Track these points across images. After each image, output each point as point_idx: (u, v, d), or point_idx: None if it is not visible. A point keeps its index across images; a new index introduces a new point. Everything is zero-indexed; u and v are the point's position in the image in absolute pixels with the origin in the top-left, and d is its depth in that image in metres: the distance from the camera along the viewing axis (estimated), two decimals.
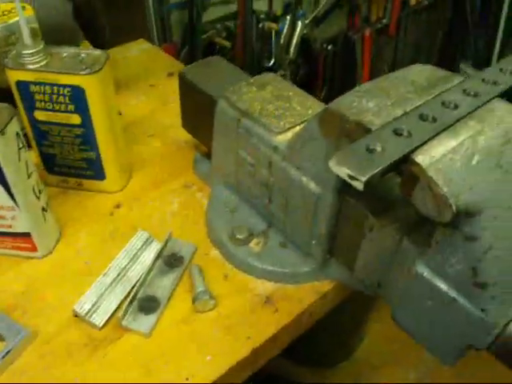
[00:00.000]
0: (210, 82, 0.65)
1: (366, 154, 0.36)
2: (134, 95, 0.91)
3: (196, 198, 0.71)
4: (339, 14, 1.91)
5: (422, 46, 2.34)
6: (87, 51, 0.62)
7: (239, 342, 0.55)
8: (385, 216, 0.49)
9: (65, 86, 0.60)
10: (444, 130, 0.40)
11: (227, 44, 1.43)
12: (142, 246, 0.63)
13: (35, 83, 0.61)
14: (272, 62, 1.57)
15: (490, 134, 0.41)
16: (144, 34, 0.82)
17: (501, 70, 0.49)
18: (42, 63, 0.60)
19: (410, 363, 1.13)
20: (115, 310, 0.58)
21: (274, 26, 1.47)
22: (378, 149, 0.37)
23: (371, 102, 0.42)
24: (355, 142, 0.37)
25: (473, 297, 0.42)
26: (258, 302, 0.59)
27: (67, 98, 0.61)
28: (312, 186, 0.52)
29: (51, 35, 0.71)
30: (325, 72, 1.93)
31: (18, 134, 0.54)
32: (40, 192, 0.60)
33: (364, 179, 0.34)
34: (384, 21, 2.04)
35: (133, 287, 0.59)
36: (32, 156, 0.70)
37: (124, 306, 0.56)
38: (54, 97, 0.61)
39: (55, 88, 0.60)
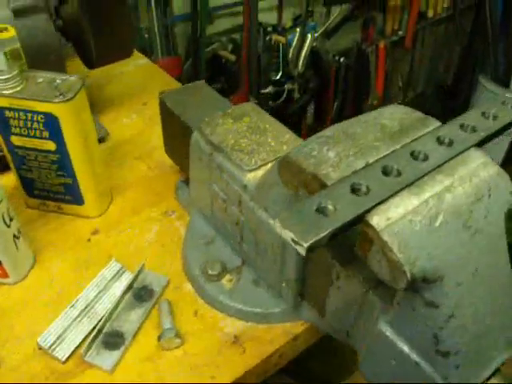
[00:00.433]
0: (189, 110, 0.63)
1: (314, 214, 0.34)
2: (125, 113, 0.90)
3: (175, 226, 0.69)
4: (353, 26, 1.87)
5: (440, 59, 2.28)
6: (63, 77, 0.61)
7: (203, 382, 0.53)
8: (352, 265, 0.46)
9: (38, 112, 0.59)
10: (408, 185, 0.37)
11: (232, 57, 1.42)
12: (113, 277, 0.62)
13: (10, 109, 0.60)
14: (279, 74, 1.55)
15: (459, 190, 0.38)
16: (131, 52, 0.80)
17: (483, 113, 0.46)
18: (16, 88, 0.59)
19: None
20: (80, 344, 0.56)
21: (281, 38, 1.44)
22: (330, 208, 0.34)
23: (332, 151, 0.39)
24: (306, 199, 0.35)
25: (436, 364, 0.39)
26: (226, 342, 0.57)
27: (41, 125, 0.60)
28: None
29: (36, 56, 0.70)
30: (337, 85, 1.89)
31: None
32: (11, 219, 0.59)
33: (306, 245, 0.32)
34: (400, 33, 1.99)
35: (99, 321, 0.57)
36: (11, 179, 0.70)
37: (88, 341, 0.55)
38: (29, 123, 0.60)
39: (29, 114, 0.59)
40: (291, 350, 0.59)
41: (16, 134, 0.62)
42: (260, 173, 0.52)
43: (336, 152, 0.39)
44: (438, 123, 0.44)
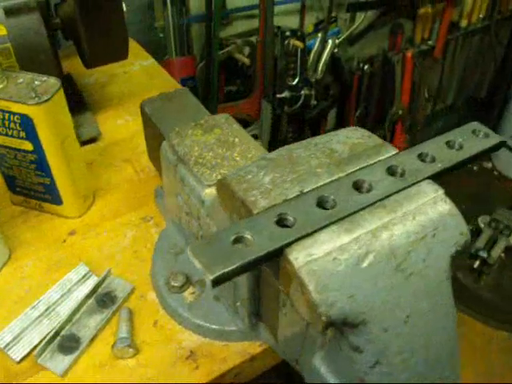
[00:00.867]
0: (166, 118, 0.62)
1: (228, 246, 0.32)
2: (121, 114, 0.90)
3: (150, 233, 0.69)
4: (379, 33, 1.82)
5: (473, 70, 2.20)
6: (43, 78, 0.61)
7: None
8: None
9: (14, 113, 0.59)
10: (341, 219, 0.35)
11: (246, 61, 1.40)
12: (78, 281, 0.62)
13: None
14: (297, 80, 1.52)
15: (399, 228, 0.36)
16: (125, 55, 0.80)
17: (448, 142, 0.43)
18: None
19: None
20: (37, 345, 0.56)
21: (299, 43, 1.42)
22: (249, 238, 0.33)
23: (268, 176, 0.38)
24: (225, 228, 0.33)
25: None
26: (181, 356, 0.56)
27: (18, 125, 0.60)
28: None
29: (26, 55, 0.71)
30: (359, 93, 1.85)
31: None
32: None
33: (212, 277, 0.31)
34: (430, 42, 1.93)
35: (59, 323, 0.57)
36: None
37: (43, 343, 0.55)
38: (6, 122, 0.61)
39: (6, 115, 0.60)
40: (248, 371, 0.57)
41: None
42: None
43: (272, 177, 0.38)
44: (394, 151, 0.41)
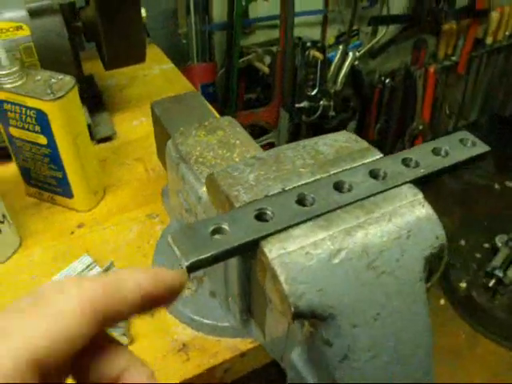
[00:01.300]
0: (174, 119, 0.65)
1: (206, 235, 0.34)
2: (137, 116, 0.93)
3: (155, 230, 0.71)
4: (402, 47, 1.83)
5: (496, 89, 2.18)
6: (60, 76, 0.64)
7: None
8: None
9: (31, 108, 0.63)
10: (317, 216, 0.37)
11: (265, 69, 1.43)
12: (82, 271, 0.64)
13: (7, 102, 0.64)
14: (316, 90, 1.54)
15: (374, 228, 0.37)
16: (143, 58, 0.83)
17: (434, 149, 0.44)
18: (15, 84, 0.63)
19: None
20: None
21: (318, 55, 1.44)
22: (226, 229, 0.35)
23: (253, 174, 0.39)
24: (205, 219, 0.35)
25: None
26: (173, 348, 0.58)
27: (34, 120, 0.64)
28: None
29: (47, 55, 0.75)
30: (380, 106, 1.86)
31: None
32: None
33: (186, 264, 0.32)
34: (453, 58, 1.92)
35: None
36: (15, 167, 0.74)
37: None
38: (23, 117, 0.64)
39: (23, 109, 0.63)
40: (239, 366, 0.59)
41: (13, 126, 0.66)
42: None
43: (257, 175, 0.39)
44: (379, 155, 0.43)
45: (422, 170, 0.41)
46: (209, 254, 0.33)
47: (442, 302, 1.90)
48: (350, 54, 1.56)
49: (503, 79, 2.17)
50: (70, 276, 0.64)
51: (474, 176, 2.34)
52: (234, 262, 0.49)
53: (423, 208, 0.39)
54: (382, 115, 1.89)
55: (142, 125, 0.91)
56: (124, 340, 0.57)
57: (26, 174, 0.73)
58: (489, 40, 1.95)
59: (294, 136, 1.63)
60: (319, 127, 1.65)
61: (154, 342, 0.58)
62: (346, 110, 1.71)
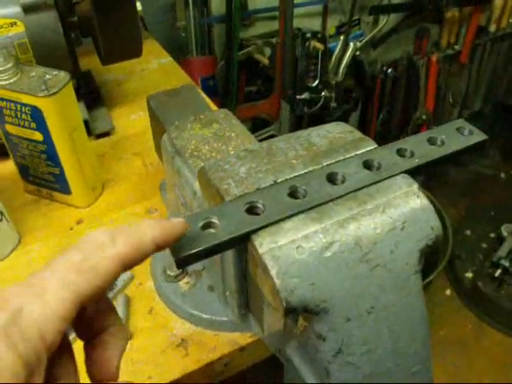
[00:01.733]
0: (170, 112, 0.64)
1: (197, 230, 0.34)
2: (135, 110, 0.93)
3: None
4: (404, 36, 1.81)
5: (501, 77, 2.15)
6: (54, 72, 0.64)
7: (139, 380, 0.54)
8: None
9: (25, 104, 0.62)
10: (310, 209, 0.36)
11: (265, 61, 1.42)
12: None
13: (2, 99, 0.64)
14: (317, 82, 1.53)
15: (367, 219, 0.36)
16: (139, 53, 0.83)
17: (430, 139, 0.43)
18: (10, 80, 0.63)
19: None
20: None
21: (319, 45, 1.42)
22: (217, 223, 0.34)
23: (244, 166, 0.39)
24: (195, 213, 0.35)
25: None
26: (172, 343, 0.57)
27: (29, 116, 0.64)
28: None
29: (42, 51, 0.74)
30: (383, 97, 1.84)
31: None
32: None
33: (175, 258, 0.32)
34: (456, 47, 1.90)
35: None
36: (10, 164, 0.74)
37: None
38: (18, 114, 0.64)
39: (18, 106, 0.63)
40: (238, 361, 0.59)
41: (9, 123, 0.66)
42: None
43: (248, 167, 0.39)
44: (373, 146, 0.42)
45: (416, 160, 0.41)
46: (199, 249, 0.32)
47: (448, 292, 1.89)
48: (351, 44, 1.54)
49: (507, 67, 2.14)
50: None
51: (479, 166, 2.32)
52: (230, 256, 0.49)
53: (418, 199, 0.38)
54: (385, 106, 1.87)
55: (141, 119, 0.91)
56: None
57: (24, 171, 0.73)
58: (492, 27, 1.92)
59: (296, 128, 1.62)
60: (321, 119, 1.64)
61: (152, 337, 0.58)
62: (347, 101, 1.70)
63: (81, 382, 0.30)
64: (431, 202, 0.39)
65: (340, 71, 1.55)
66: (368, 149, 0.42)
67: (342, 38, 1.55)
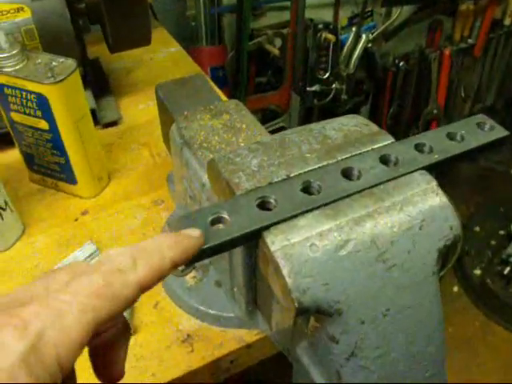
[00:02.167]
0: (179, 102, 0.63)
1: (206, 225, 0.32)
2: (143, 99, 0.91)
3: (160, 216, 0.70)
4: (417, 29, 1.78)
5: None
6: (61, 59, 0.63)
7: (143, 376, 0.53)
8: None
9: (31, 92, 0.61)
10: (324, 205, 0.34)
11: (275, 51, 1.39)
12: (85, 259, 0.63)
13: (8, 86, 0.62)
14: (328, 74, 1.50)
15: (384, 217, 0.35)
16: (148, 41, 0.81)
17: (449, 134, 0.42)
18: (16, 67, 0.62)
19: None
20: None
21: (331, 37, 1.40)
22: (227, 219, 0.33)
23: (256, 159, 0.37)
24: (204, 207, 0.33)
25: None
26: (177, 339, 0.56)
27: (34, 104, 0.62)
28: None
29: (49, 37, 0.73)
30: (394, 89, 1.81)
31: None
32: None
33: None
34: (470, 40, 1.87)
35: None
36: (16, 153, 0.73)
37: None
38: (24, 101, 0.63)
39: (24, 93, 0.62)
40: (245, 358, 0.57)
41: (14, 111, 0.65)
42: None
43: (259, 160, 0.37)
44: (390, 140, 0.40)
45: (436, 156, 0.39)
46: (207, 246, 0.31)
47: (456, 289, 1.87)
48: (363, 36, 1.51)
49: None
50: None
51: (490, 162, 2.29)
52: (238, 251, 0.48)
53: (437, 196, 0.36)
54: (396, 99, 1.84)
55: (149, 109, 0.89)
56: None
57: (29, 160, 0.72)
58: (507, 21, 1.88)
59: (306, 120, 1.60)
60: (331, 111, 1.62)
61: (157, 332, 0.57)
62: (358, 93, 1.67)
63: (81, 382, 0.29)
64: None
65: (351, 63, 1.52)
66: (385, 143, 0.40)
67: (354, 29, 1.53)
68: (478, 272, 1.83)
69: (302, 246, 0.32)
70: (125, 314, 0.57)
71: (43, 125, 0.64)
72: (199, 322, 0.58)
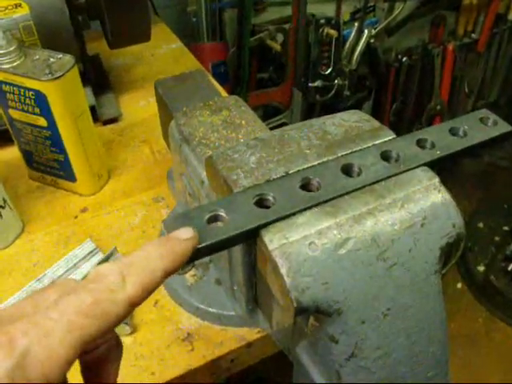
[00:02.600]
0: (178, 98, 0.62)
1: (202, 223, 0.31)
2: (143, 96, 0.91)
3: (160, 213, 0.69)
4: (420, 24, 1.76)
5: None
6: (59, 56, 0.62)
7: (142, 376, 0.53)
8: None
9: (29, 89, 0.60)
10: (324, 202, 0.34)
11: (277, 47, 1.38)
12: (84, 257, 0.62)
13: (5, 83, 0.62)
14: (330, 69, 1.49)
15: (384, 215, 0.34)
16: (148, 37, 0.80)
17: (452, 129, 0.41)
18: (13, 64, 0.61)
19: None
20: None
21: (333, 32, 1.39)
22: (224, 217, 0.32)
23: (255, 156, 0.37)
24: (201, 205, 0.33)
25: None
26: (178, 337, 0.56)
27: (33, 101, 0.62)
28: None
29: (48, 33, 0.72)
30: (397, 86, 1.80)
31: None
32: None
33: None
34: (473, 35, 1.85)
35: None
36: (15, 150, 0.73)
37: None
38: (22, 98, 0.62)
39: (22, 90, 0.61)
40: (245, 357, 0.57)
41: (13, 108, 0.64)
42: None
43: (258, 157, 0.37)
44: (391, 136, 0.40)
45: (438, 152, 0.38)
46: (204, 244, 0.30)
47: (459, 285, 1.86)
48: (366, 31, 1.50)
49: None
50: (72, 262, 0.62)
51: (493, 157, 2.27)
52: (237, 249, 0.47)
53: (439, 193, 0.36)
54: (399, 95, 1.83)
55: (149, 105, 0.88)
56: (126, 329, 0.55)
57: (29, 158, 0.71)
58: (511, 15, 1.87)
59: (308, 116, 1.59)
60: (334, 107, 1.61)
61: (157, 330, 0.56)
62: (361, 89, 1.66)
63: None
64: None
65: (354, 59, 1.51)
66: (386, 139, 0.39)
67: (356, 24, 1.51)
68: (481, 268, 1.82)
69: (301, 245, 0.32)
70: None
71: (42, 122, 0.64)
72: (199, 320, 0.57)
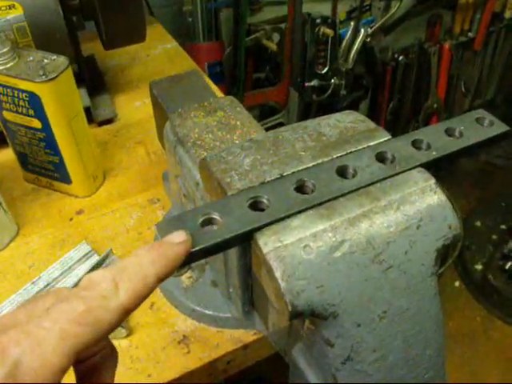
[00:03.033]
0: (173, 99, 0.62)
1: (196, 226, 0.31)
2: (139, 97, 0.90)
3: (156, 215, 0.69)
4: (416, 23, 1.76)
5: None
6: (53, 57, 0.62)
7: (138, 378, 0.53)
8: None
9: (22, 90, 0.60)
10: (318, 205, 0.34)
11: (273, 47, 1.38)
12: (79, 259, 0.62)
13: None
14: (326, 69, 1.49)
15: (380, 217, 0.34)
16: (143, 37, 0.80)
17: (447, 130, 0.41)
18: (7, 65, 0.61)
19: None
20: None
21: (329, 31, 1.38)
22: (217, 220, 0.32)
23: (249, 158, 0.36)
24: (194, 208, 0.32)
25: None
26: (173, 340, 0.56)
27: (26, 103, 0.61)
28: None
29: (42, 34, 0.72)
30: (393, 84, 1.79)
31: None
32: None
33: None
34: (470, 34, 1.85)
35: None
36: (9, 152, 0.72)
37: None
38: (16, 100, 0.62)
39: (15, 92, 0.61)
40: (241, 359, 0.57)
41: (7, 110, 0.64)
42: None
43: (252, 159, 0.36)
44: (387, 137, 0.39)
45: (434, 153, 0.38)
46: (197, 248, 0.30)
47: (457, 284, 1.86)
48: (362, 30, 1.50)
49: None
50: (67, 264, 0.62)
51: (490, 156, 2.27)
52: (233, 251, 0.47)
53: (435, 195, 0.36)
54: (396, 94, 1.83)
55: (145, 106, 0.88)
56: (122, 332, 0.55)
57: (23, 160, 0.71)
58: (508, 14, 1.86)
59: (304, 116, 1.59)
60: (330, 106, 1.61)
61: (153, 333, 0.56)
62: (358, 88, 1.66)
63: None
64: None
65: (350, 58, 1.51)
66: (381, 140, 0.39)
67: (352, 23, 1.51)
68: (479, 267, 1.82)
69: (296, 248, 0.31)
70: None
71: (36, 124, 0.63)
72: (195, 322, 0.57)
